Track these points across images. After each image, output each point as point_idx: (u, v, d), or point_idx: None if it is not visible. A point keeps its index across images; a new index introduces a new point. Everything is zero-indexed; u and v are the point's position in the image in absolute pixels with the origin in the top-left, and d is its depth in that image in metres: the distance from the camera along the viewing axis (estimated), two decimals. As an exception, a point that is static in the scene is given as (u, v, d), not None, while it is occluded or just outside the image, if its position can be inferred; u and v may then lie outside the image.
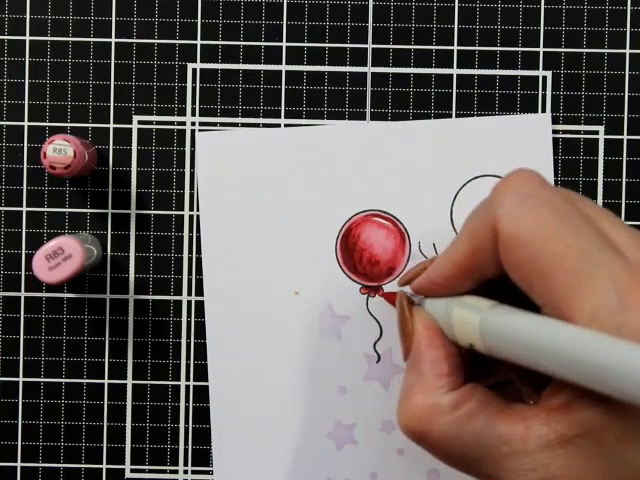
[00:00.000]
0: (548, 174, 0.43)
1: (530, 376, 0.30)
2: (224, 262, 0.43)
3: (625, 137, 0.44)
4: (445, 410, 0.30)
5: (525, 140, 0.43)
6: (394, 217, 0.44)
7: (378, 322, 0.44)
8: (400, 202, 0.43)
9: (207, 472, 0.44)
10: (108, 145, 0.44)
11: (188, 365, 0.44)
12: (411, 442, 0.43)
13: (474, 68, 0.44)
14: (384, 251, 0.43)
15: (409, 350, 0.33)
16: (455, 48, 0.44)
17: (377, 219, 0.44)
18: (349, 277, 0.44)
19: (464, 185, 0.43)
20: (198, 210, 0.44)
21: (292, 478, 0.44)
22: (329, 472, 0.44)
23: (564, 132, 0.44)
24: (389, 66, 0.44)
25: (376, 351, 0.44)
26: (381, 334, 0.44)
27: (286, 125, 0.44)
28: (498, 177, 0.43)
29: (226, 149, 0.44)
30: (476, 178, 0.43)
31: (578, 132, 0.44)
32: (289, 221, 0.43)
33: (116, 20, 0.44)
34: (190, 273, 0.44)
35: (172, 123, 0.44)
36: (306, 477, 0.44)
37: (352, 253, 0.44)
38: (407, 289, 0.37)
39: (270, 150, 0.44)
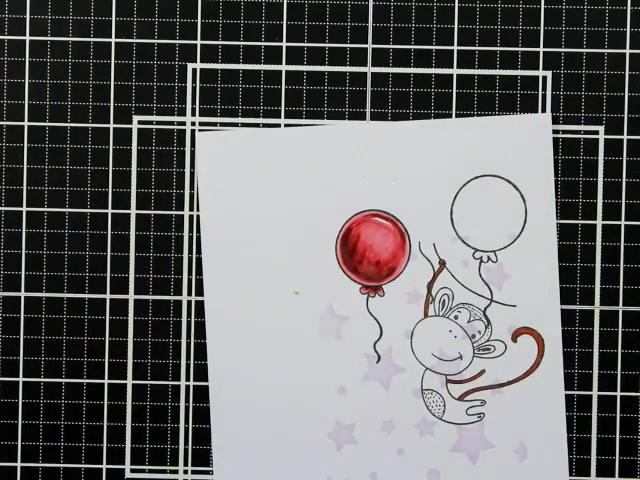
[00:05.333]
0: (548, 174, 0.43)
1: None
2: (224, 262, 0.43)
3: (625, 137, 0.44)
4: None
5: (525, 140, 0.43)
6: (394, 217, 0.44)
7: (378, 322, 0.44)
8: (400, 202, 0.43)
9: (207, 472, 0.44)
10: (108, 145, 0.44)
11: (188, 365, 0.44)
12: (411, 442, 0.43)
13: (474, 68, 0.44)
14: (384, 251, 0.43)
15: None
16: (455, 48, 0.44)
17: (377, 219, 0.44)
18: (349, 277, 0.44)
19: (464, 185, 0.43)
20: (198, 210, 0.44)
21: (292, 478, 0.44)
22: (329, 472, 0.44)
23: (564, 132, 0.44)
24: (389, 66, 0.44)
25: (376, 351, 0.44)
26: (381, 334, 0.44)
27: (286, 125, 0.44)
28: (498, 177, 0.43)
29: (226, 149, 0.44)
30: (476, 178, 0.43)
31: (578, 132, 0.44)
32: (289, 221, 0.43)
33: (116, 20, 0.44)
34: (190, 273, 0.44)
35: (172, 123, 0.44)
36: (306, 477, 0.44)
37: (352, 253, 0.44)
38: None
39: (270, 150, 0.44)
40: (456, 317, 0.43)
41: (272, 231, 0.43)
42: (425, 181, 0.43)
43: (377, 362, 0.44)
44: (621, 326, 0.44)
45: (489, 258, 0.43)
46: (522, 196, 0.43)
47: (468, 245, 0.43)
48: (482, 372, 0.43)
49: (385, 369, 0.44)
